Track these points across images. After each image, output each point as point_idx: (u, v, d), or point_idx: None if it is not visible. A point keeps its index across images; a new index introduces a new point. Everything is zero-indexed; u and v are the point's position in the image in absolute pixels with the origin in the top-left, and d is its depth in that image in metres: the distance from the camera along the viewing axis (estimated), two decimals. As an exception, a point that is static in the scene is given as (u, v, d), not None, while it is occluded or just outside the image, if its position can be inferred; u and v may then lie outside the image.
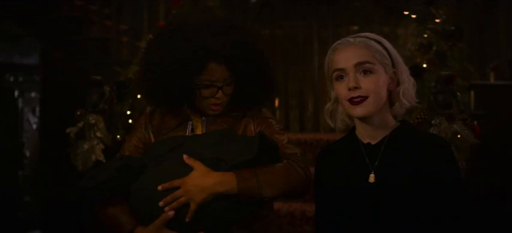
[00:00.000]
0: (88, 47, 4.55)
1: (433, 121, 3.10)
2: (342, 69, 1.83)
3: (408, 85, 1.86)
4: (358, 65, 1.80)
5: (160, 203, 1.83)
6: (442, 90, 3.10)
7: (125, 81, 3.52)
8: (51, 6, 4.73)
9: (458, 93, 3.18)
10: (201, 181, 1.84)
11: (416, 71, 3.32)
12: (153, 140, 2.10)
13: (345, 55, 1.84)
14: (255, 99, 2.11)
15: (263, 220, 2.02)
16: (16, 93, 6.41)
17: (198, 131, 2.07)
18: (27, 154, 6.53)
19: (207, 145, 1.93)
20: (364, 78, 1.79)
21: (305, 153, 4.44)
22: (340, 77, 1.84)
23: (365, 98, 1.79)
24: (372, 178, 1.80)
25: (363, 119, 1.84)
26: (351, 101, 1.80)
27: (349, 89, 1.79)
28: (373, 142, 1.86)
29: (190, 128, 2.08)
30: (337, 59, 1.86)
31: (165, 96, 2.05)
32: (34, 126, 6.54)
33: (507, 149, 3.76)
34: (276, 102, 5.72)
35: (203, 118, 2.08)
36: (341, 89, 1.83)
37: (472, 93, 3.72)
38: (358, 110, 1.80)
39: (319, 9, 5.69)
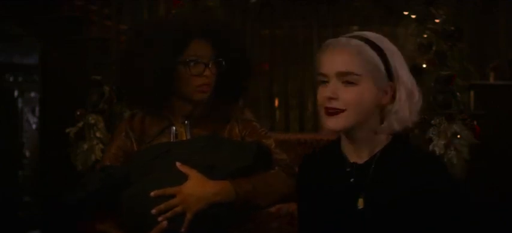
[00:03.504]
0: (88, 47, 4.54)
1: (432, 121, 3.10)
2: (324, 75, 1.64)
3: (403, 105, 1.63)
4: (339, 74, 1.60)
5: (153, 211, 1.76)
6: (441, 90, 3.11)
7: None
8: (51, 6, 4.73)
9: (458, 94, 3.19)
10: (198, 190, 1.80)
11: (415, 71, 3.32)
12: (136, 148, 2.04)
13: (330, 59, 1.63)
14: (238, 87, 2.11)
15: (255, 220, 2.02)
16: (16, 93, 6.39)
17: (182, 137, 2.03)
18: (27, 154, 6.51)
19: (196, 150, 1.88)
20: (346, 89, 1.60)
21: (304, 153, 4.43)
22: (322, 82, 1.65)
23: (342, 110, 1.60)
24: (360, 202, 1.62)
25: (338, 132, 1.67)
26: (326, 110, 1.63)
27: (327, 98, 1.61)
28: (359, 161, 1.67)
29: (174, 134, 2.03)
30: (322, 62, 1.65)
31: (149, 89, 1.96)
32: (34, 126, 6.53)
33: (507, 149, 3.75)
34: (276, 102, 5.73)
35: (186, 122, 2.04)
36: (320, 94, 1.65)
37: (472, 93, 3.72)
38: (331, 123, 1.62)
39: (319, 9, 5.67)
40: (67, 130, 3.37)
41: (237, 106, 2.15)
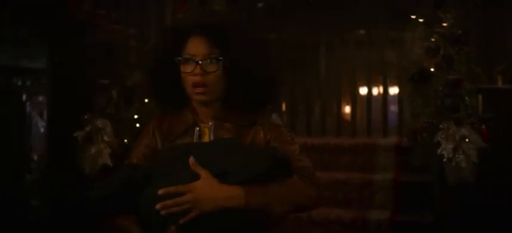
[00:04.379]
0: (96, 51, 4.54)
1: (441, 125, 3.08)
2: None
3: None
4: None
5: (157, 206, 1.75)
6: (449, 94, 3.09)
7: (133, 85, 3.52)
8: (58, 10, 4.73)
9: (466, 97, 3.16)
10: (209, 191, 1.77)
11: (423, 75, 3.31)
12: (160, 146, 2.04)
13: None
14: (250, 94, 1.98)
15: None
16: (24, 97, 6.40)
17: (206, 138, 2.00)
18: (35, 157, 6.52)
19: (213, 155, 1.86)
20: None
21: (311, 157, 4.41)
22: None
23: None
24: None
25: None
26: None
27: None
28: None
29: (197, 135, 2.00)
30: None
31: (157, 88, 2.01)
32: (42, 130, 6.53)
33: (515, 152, 3.74)
34: (283, 107, 5.72)
35: (210, 124, 2.00)
36: None
37: (480, 96, 3.70)
38: None
39: (325, 13, 5.68)
40: (75, 134, 3.36)
41: (263, 110, 2.06)
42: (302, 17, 5.79)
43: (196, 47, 1.94)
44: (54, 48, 4.76)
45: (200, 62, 1.92)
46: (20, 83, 6.41)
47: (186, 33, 1.97)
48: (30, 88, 6.44)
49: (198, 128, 2.01)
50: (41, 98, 6.48)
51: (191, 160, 1.81)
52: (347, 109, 6.14)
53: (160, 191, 1.76)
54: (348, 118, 5.82)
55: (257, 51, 1.99)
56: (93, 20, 4.79)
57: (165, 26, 2.03)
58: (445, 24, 3.61)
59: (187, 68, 1.95)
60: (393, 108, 5.53)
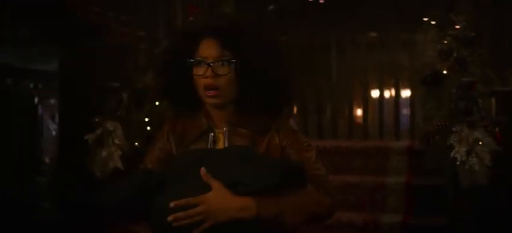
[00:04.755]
0: (106, 53, 4.54)
1: (454, 128, 3.05)
2: None
3: None
4: None
5: (169, 218, 1.72)
6: (463, 96, 3.06)
7: (143, 88, 3.51)
8: (68, 12, 4.73)
9: (480, 100, 3.13)
10: (221, 202, 1.74)
11: (436, 78, 3.28)
12: (174, 151, 2.01)
13: None
14: (262, 97, 1.93)
15: None
16: (36, 99, 6.43)
17: (220, 144, 1.97)
18: (47, 160, 6.54)
19: (226, 164, 1.82)
20: None
21: (323, 160, 4.39)
22: None
23: None
24: None
25: None
26: None
27: None
28: None
29: (211, 140, 1.97)
30: None
31: (172, 89, 1.99)
32: (53, 132, 6.56)
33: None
34: (295, 109, 5.70)
35: (225, 129, 1.96)
36: None
37: (493, 99, 3.67)
38: None
39: (336, 15, 5.66)
40: (85, 137, 3.36)
41: (279, 115, 2.01)
42: (313, 19, 5.76)
43: (208, 49, 1.92)
44: (65, 50, 4.76)
45: (211, 64, 1.90)
46: (32, 85, 6.45)
47: (198, 36, 1.95)
48: (42, 91, 6.48)
49: (212, 134, 1.98)
50: (52, 101, 6.51)
51: (202, 170, 1.78)
52: (359, 112, 6.12)
53: (171, 204, 1.73)
54: (360, 120, 5.80)
55: (269, 53, 1.95)
56: (103, 22, 4.80)
57: (177, 28, 2.01)
58: (457, 27, 3.58)
59: (199, 71, 1.92)
60: (405, 111, 5.50)
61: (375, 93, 5.95)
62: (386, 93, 6.04)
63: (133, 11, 4.63)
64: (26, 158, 6.13)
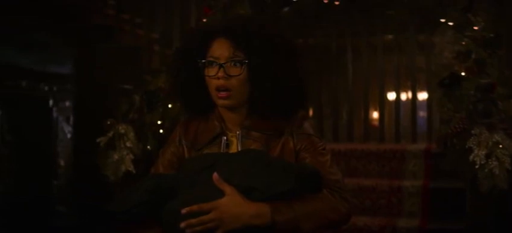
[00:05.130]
0: (120, 56, 4.53)
1: (472, 131, 3.00)
2: None
3: None
4: None
5: (182, 225, 1.70)
6: (482, 98, 3.01)
7: (155, 90, 3.48)
8: (83, 15, 4.74)
9: (499, 102, 3.07)
10: (235, 209, 1.71)
11: (454, 80, 3.23)
12: (186, 155, 1.99)
13: None
14: (275, 99, 1.89)
15: None
16: (51, 102, 6.43)
17: (233, 148, 1.94)
18: (62, 163, 6.53)
19: (239, 169, 1.79)
20: None
21: (338, 163, 4.38)
22: None
23: None
24: None
25: None
26: None
27: None
28: None
29: (224, 144, 1.94)
30: None
31: (184, 89, 1.97)
32: (68, 135, 6.55)
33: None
34: (310, 112, 5.67)
35: (238, 132, 1.94)
36: None
37: (513, 101, 3.60)
38: None
39: (352, 18, 5.63)
40: (97, 140, 3.34)
41: (293, 118, 1.97)
42: (329, 21, 5.73)
43: (220, 49, 1.89)
44: (79, 53, 4.76)
45: (223, 64, 1.87)
46: (46, 88, 6.45)
47: (211, 36, 1.92)
48: (57, 93, 6.48)
49: (225, 138, 1.95)
50: (67, 104, 6.51)
51: (215, 176, 1.76)
52: (375, 114, 6.08)
53: (183, 210, 1.71)
54: (376, 123, 5.77)
55: (282, 54, 1.90)
56: (118, 24, 4.80)
57: (189, 28, 1.99)
58: (476, 28, 3.52)
59: (210, 71, 1.90)
60: (422, 113, 5.46)
61: (391, 95, 5.93)
62: (403, 96, 6.02)
63: (147, 13, 4.62)
64: (41, 161, 6.13)
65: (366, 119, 5.57)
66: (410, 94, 5.51)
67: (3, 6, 4.48)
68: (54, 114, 6.52)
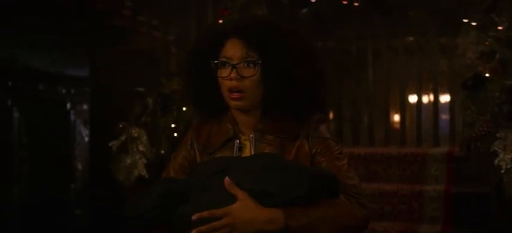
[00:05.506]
0: (136, 58, 4.50)
1: (498, 134, 2.92)
2: None
3: None
4: None
5: (193, 232, 1.65)
6: (507, 100, 2.92)
7: (170, 93, 3.43)
8: (100, 17, 4.72)
9: (526, 104, 2.99)
10: (249, 214, 1.66)
11: (478, 81, 3.15)
12: (198, 159, 1.94)
13: None
14: (289, 102, 1.83)
15: None
16: (68, 105, 6.44)
17: (246, 151, 1.89)
18: (79, 166, 6.54)
19: (251, 173, 1.73)
20: None
21: (358, 167, 4.32)
22: None
23: None
24: None
25: None
26: None
27: None
28: None
29: (237, 148, 1.88)
30: None
31: (196, 90, 1.93)
32: (86, 138, 6.54)
33: None
34: (331, 115, 5.62)
35: (251, 136, 1.88)
36: None
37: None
38: None
39: (372, 19, 5.56)
40: (109, 144, 3.29)
41: (308, 121, 1.91)
42: (347, 23, 5.66)
43: (232, 49, 1.83)
44: (96, 55, 4.75)
45: (236, 65, 1.81)
46: (64, 91, 6.45)
47: (224, 36, 1.87)
48: (74, 96, 6.48)
49: (238, 141, 1.90)
50: (85, 106, 6.51)
51: (226, 180, 1.70)
52: (396, 117, 6.01)
53: (194, 216, 1.66)
54: (397, 126, 5.71)
55: (297, 55, 1.84)
56: (135, 26, 4.77)
57: (202, 28, 1.96)
58: (500, 28, 3.43)
59: (223, 72, 1.85)
60: (444, 116, 5.38)
61: (412, 98, 5.86)
62: (425, 98, 5.94)
63: (164, 15, 4.59)
64: (58, 164, 6.14)
65: (386, 122, 5.50)
66: (432, 97, 5.46)
67: (20, 9, 4.48)
68: (72, 117, 6.53)
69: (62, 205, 6.15)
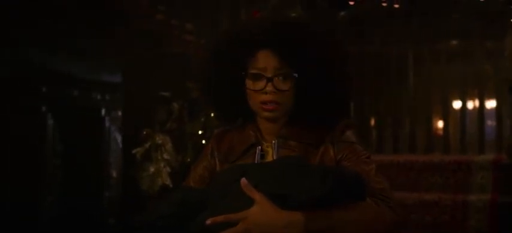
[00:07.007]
0: (169, 62, 4.45)
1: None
2: None
3: None
4: None
5: None
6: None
7: (198, 98, 3.33)
8: (132, 20, 4.69)
9: None
10: (265, 219, 1.58)
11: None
12: (218, 168, 1.90)
13: None
14: (322, 111, 1.80)
15: None
16: (103, 111, 6.41)
17: (269, 158, 1.83)
18: (114, 174, 6.50)
19: (269, 175, 1.66)
20: None
21: (398, 176, 4.17)
22: None
23: None
24: None
25: None
26: None
27: None
28: None
29: (259, 154, 1.83)
30: None
31: (218, 102, 1.89)
32: (120, 145, 6.50)
33: None
34: (372, 122, 5.59)
35: (274, 142, 1.82)
36: None
37: None
38: None
39: (413, 23, 5.43)
40: (133, 151, 3.21)
41: (334, 127, 1.86)
42: (387, 26, 5.53)
43: (265, 61, 1.77)
44: (128, 61, 4.71)
45: (272, 78, 1.76)
46: (99, 97, 6.42)
47: (254, 45, 1.79)
48: (109, 103, 6.45)
49: (259, 147, 1.85)
50: (119, 113, 6.47)
51: (243, 181, 1.62)
52: (439, 124, 5.88)
53: (208, 220, 1.60)
54: (440, 132, 5.59)
55: (333, 68, 1.79)
56: (168, 30, 4.73)
57: (227, 31, 1.86)
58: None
59: (256, 85, 1.78)
60: (490, 122, 5.22)
61: (456, 104, 5.77)
62: (470, 104, 5.81)
63: (196, 18, 4.53)
64: (93, 172, 6.10)
65: (429, 129, 5.42)
66: (477, 102, 5.36)
67: (53, 14, 4.48)
68: (107, 123, 6.50)
69: (95, 214, 6.12)
